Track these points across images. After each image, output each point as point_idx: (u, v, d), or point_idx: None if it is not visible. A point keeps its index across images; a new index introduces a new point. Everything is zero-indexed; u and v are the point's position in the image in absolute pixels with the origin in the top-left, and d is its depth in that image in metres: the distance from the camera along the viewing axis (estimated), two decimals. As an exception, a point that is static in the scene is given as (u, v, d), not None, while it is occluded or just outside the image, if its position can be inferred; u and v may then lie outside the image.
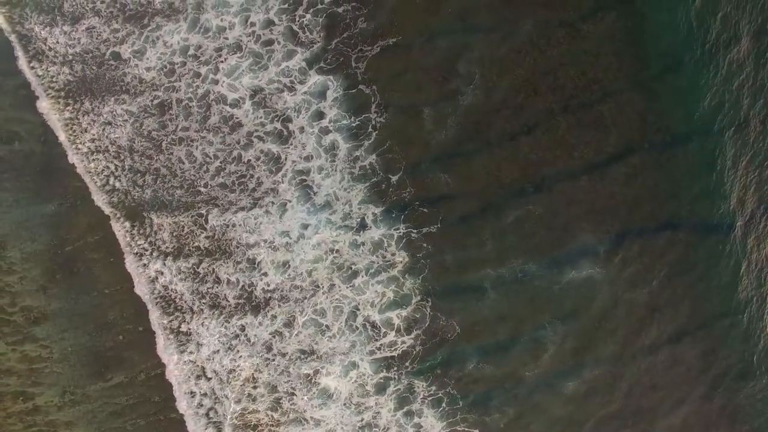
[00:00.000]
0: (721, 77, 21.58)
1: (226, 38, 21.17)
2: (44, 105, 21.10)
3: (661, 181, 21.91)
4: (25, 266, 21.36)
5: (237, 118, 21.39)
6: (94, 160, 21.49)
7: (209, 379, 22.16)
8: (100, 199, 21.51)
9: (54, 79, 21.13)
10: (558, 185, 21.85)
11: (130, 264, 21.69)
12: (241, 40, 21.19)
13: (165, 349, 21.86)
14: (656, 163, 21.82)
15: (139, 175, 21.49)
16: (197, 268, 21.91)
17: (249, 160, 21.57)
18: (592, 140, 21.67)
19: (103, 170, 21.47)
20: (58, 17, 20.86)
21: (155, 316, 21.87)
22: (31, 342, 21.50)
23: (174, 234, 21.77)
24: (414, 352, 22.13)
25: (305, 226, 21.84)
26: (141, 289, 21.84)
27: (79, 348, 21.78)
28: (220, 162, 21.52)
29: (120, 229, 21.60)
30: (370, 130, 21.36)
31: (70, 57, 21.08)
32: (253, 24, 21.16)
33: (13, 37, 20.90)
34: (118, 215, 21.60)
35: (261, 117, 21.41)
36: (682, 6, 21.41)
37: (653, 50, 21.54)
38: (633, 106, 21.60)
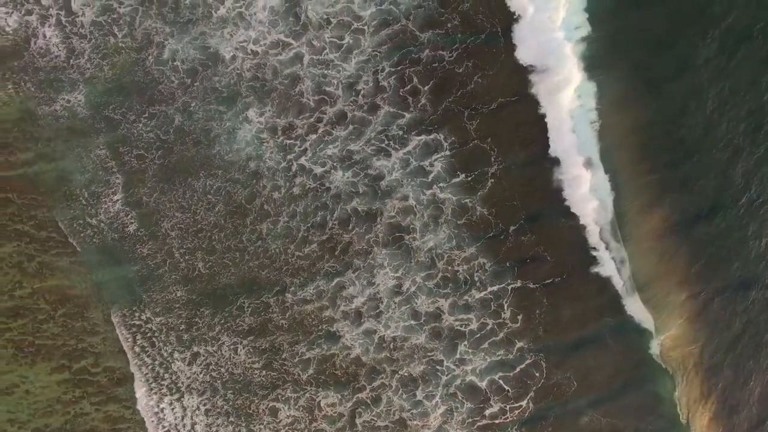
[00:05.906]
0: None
1: (324, 112, 19.86)
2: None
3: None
4: (108, 327, 20.81)
5: (330, 182, 20.22)
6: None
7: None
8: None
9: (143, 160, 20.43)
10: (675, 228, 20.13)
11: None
12: (344, 110, 19.83)
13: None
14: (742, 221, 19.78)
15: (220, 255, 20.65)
16: (274, 344, 20.74)
17: (334, 225, 20.21)
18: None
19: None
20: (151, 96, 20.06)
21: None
22: (115, 402, 20.92)
23: (252, 315, 20.70)
24: (525, 414, 20.38)
25: (398, 293, 20.36)
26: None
27: (161, 409, 21.10)
28: (305, 231, 20.31)
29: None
30: (488, 181, 19.76)
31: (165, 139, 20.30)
32: (358, 92, 19.75)
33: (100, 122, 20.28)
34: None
35: (353, 179, 20.18)
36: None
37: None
38: (718, 166, 19.51)
